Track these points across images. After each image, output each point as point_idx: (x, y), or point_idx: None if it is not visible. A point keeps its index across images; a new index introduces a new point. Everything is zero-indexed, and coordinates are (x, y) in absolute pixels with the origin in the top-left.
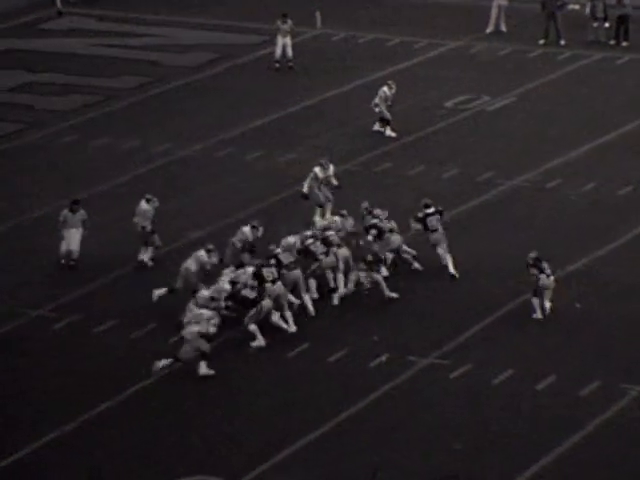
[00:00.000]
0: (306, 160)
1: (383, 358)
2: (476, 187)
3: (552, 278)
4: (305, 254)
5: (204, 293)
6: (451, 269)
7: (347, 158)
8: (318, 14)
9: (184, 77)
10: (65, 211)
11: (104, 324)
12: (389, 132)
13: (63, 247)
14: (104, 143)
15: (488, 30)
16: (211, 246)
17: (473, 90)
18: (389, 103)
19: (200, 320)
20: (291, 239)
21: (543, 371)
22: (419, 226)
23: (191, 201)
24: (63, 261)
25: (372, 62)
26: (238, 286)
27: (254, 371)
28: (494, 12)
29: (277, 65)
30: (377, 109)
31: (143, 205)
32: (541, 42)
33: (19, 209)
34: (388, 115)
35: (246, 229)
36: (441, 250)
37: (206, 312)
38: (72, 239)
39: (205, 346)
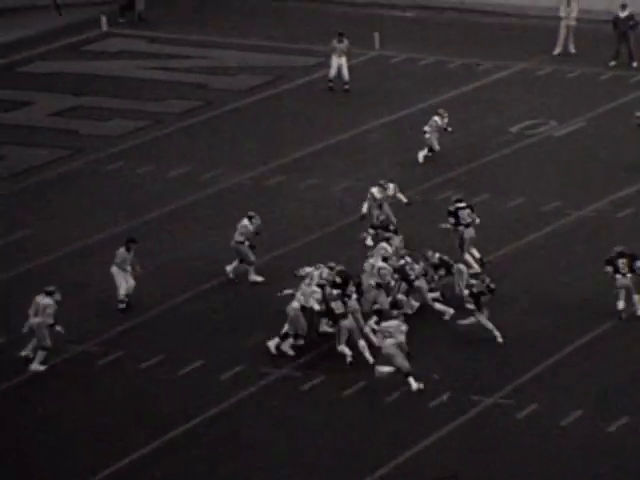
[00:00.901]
0: (362, 189)
1: (444, 397)
2: (543, 217)
3: (629, 276)
4: (401, 275)
5: (295, 305)
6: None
7: (406, 186)
8: (376, 35)
9: (234, 101)
10: (122, 250)
11: (150, 360)
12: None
13: (122, 289)
14: (150, 170)
15: (556, 51)
16: (337, 266)
17: (540, 115)
18: (449, 129)
19: (394, 332)
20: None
21: (614, 412)
22: (452, 220)
23: None
24: (123, 305)
25: (433, 85)
26: (327, 295)
27: (308, 410)
28: (562, 32)
29: (330, 84)
30: (427, 136)
31: (245, 223)
32: (612, 64)
33: (63, 240)
34: (436, 146)
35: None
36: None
37: (393, 323)
38: (129, 279)
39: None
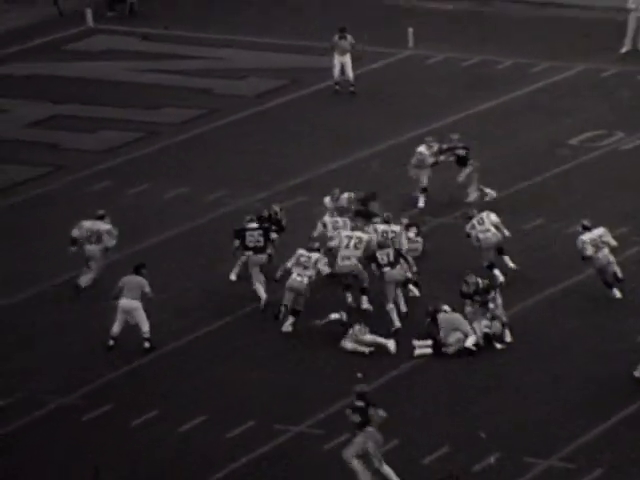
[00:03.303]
0: (393, 210)
1: (492, 459)
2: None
3: None
4: None
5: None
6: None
7: (442, 211)
8: (410, 30)
9: (242, 109)
10: (132, 276)
11: (142, 415)
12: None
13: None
14: (143, 191)
15: (624, 49)
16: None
17: (604, 125)
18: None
19: None
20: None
21: None
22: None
23: None
24: (112, 342)
25: (478, 90)
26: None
27: (332, 475)
28: (631, 26)
29: (337, 87)
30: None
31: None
32: None
33: (40, 273)
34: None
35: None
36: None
37: None
38: (139, 314)
39: None
